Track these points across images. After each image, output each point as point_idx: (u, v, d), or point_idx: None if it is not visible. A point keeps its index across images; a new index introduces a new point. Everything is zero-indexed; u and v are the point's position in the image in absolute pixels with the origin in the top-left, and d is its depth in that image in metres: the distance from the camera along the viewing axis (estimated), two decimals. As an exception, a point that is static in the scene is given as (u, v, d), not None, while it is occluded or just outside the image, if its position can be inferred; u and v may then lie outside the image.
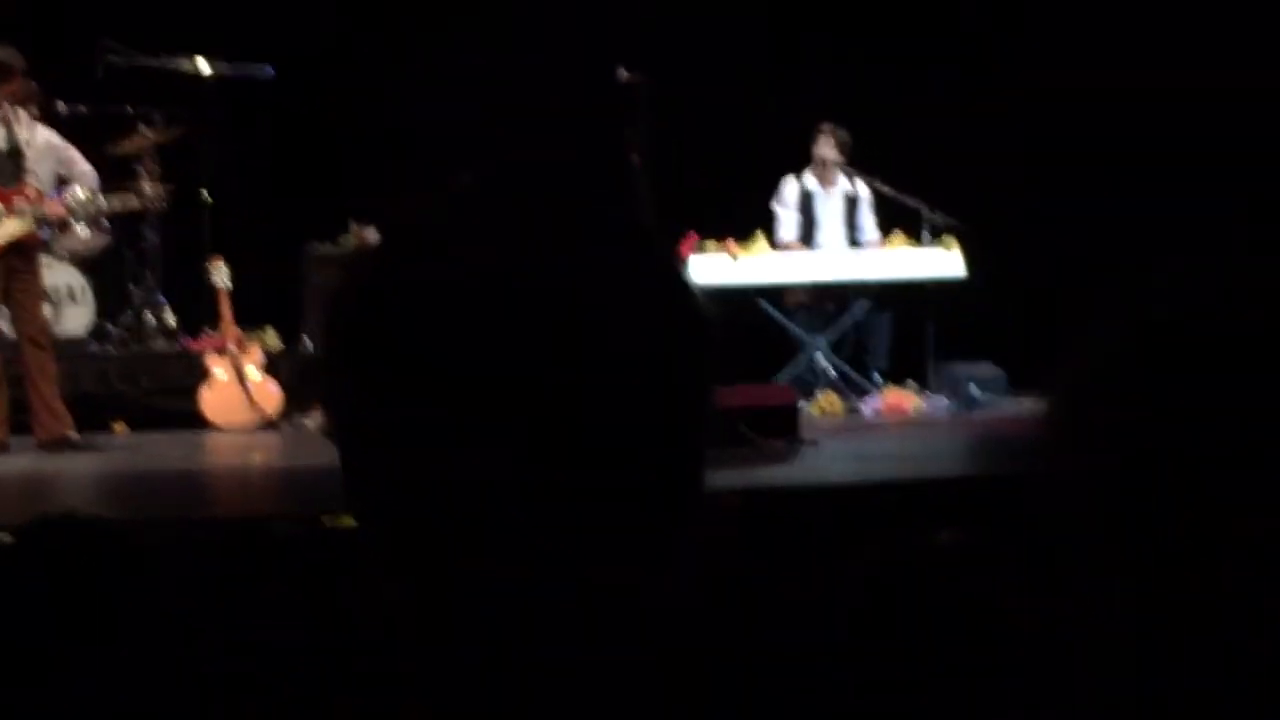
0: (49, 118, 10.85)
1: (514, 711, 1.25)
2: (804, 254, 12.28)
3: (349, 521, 1.34)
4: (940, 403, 11.71)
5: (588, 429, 1.22)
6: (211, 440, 10.75)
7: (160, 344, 11.90)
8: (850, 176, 12.54)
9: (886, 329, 12.26)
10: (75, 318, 11.72)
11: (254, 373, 11.24)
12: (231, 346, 11.27)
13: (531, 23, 13.01)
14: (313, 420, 10.74)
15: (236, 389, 11.17)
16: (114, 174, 11.55)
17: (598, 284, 1.24)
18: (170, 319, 12.07)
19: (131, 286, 12.13)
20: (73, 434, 9.69)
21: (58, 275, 11.48)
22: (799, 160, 12.55)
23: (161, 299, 12.11)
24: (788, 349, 12.11)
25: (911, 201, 12.18)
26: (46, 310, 10.43)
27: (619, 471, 1.23)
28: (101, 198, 10.79)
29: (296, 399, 11.17)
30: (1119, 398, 1.21)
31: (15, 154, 9.85)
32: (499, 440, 1.21)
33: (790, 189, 12.55)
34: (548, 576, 1.23)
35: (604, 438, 1.22)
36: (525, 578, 1.23)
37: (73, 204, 10.34)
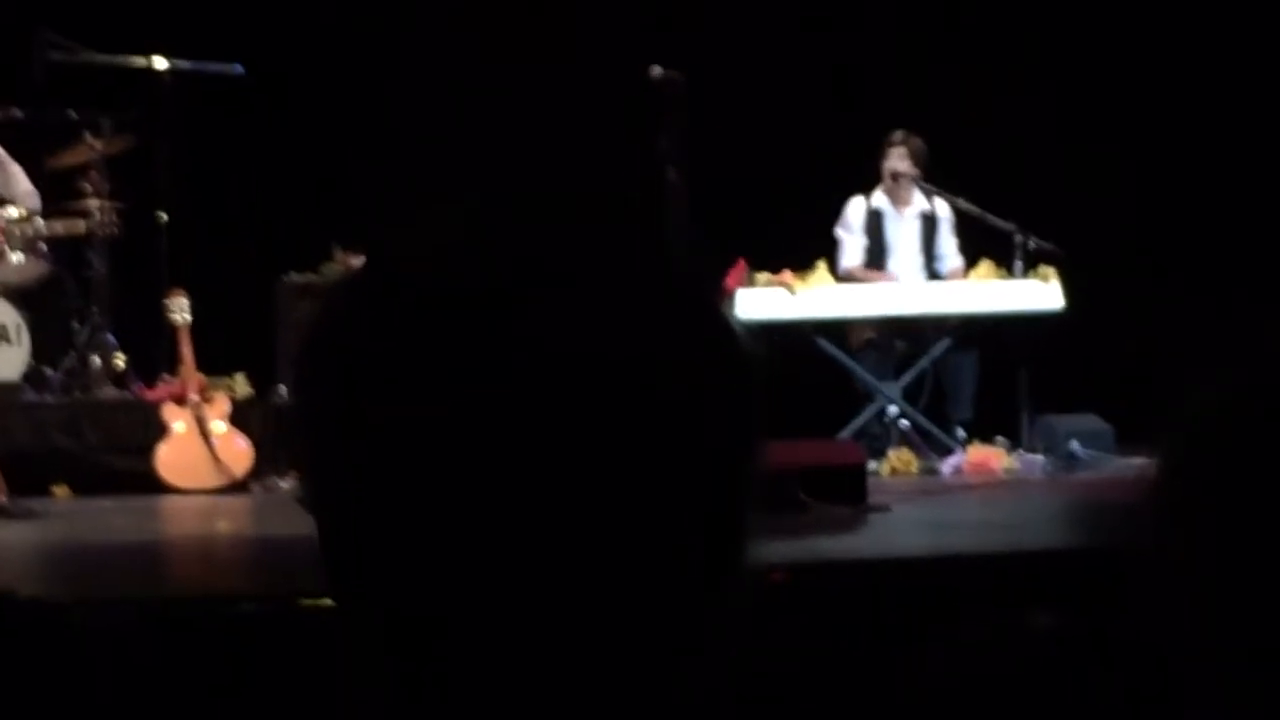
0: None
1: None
2: (873, 284, 12.27)
3: (328, 603, 1.34)
4: (1035, 462, 11.69)
5: (606, 492, 1.23)
6: (169, 506, 10.76)
7: (109, 392, 11.91)
8: (928, 194, 12.53)
9: (971, 374, 12.23)
10: (8, 361, 11.74)
11: (219, 426, 11.26)
12: (193, 395, 11.29)
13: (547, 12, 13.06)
14: (289, 482, 10.76)
15: (199, 445, 11.19)
16: (55, 191, 11.61)
17: (620, 323, 1.25)
18: (120, 362, 12.08)
19: (75, 324, 12.14)
20: (4, 500, 9.71)
21: (-12, 311, 11.53)
22: (869, 178, 12.55)
23: (110, 339, 12.12)
24: (854, 398, 12.10)
25: (1002, 223, 12.17)
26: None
27: (643, 543, 1.24)
28: (40, 220, 10.84)
29: (270, 457, 11.19)
30: (1230, 458, 1.21)
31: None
32: (505, 508, 1.22)
33: (856, 210, 12.55)
34: (559, 665, 1.24)
35: (626, 504, 1.23)
36: (534, 669, 1.24)
37: (6, 227, 10.38)
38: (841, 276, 12.29)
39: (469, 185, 10.45)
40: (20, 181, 10.56)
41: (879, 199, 12.58)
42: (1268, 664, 1.20)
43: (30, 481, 10.33)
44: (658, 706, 1.27)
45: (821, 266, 12.14)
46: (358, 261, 11.26)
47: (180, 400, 11.31)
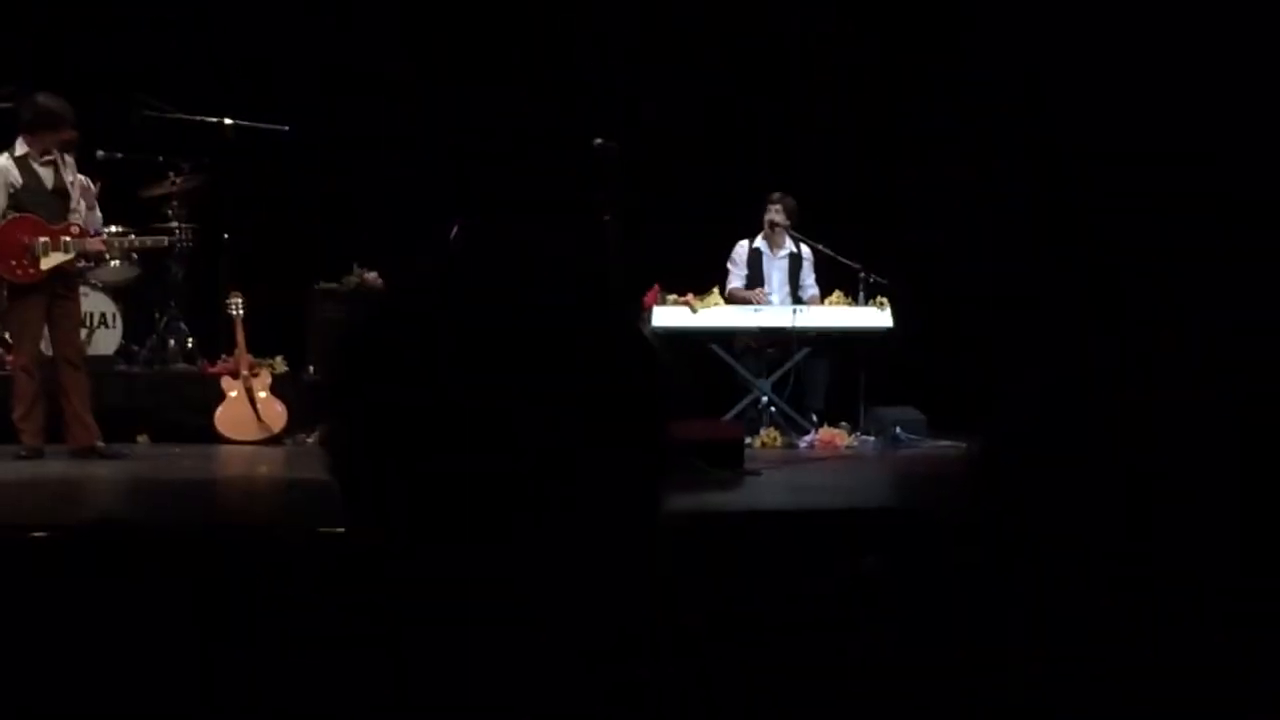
0: (89, 164, 10.80)
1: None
2: (753, 304, 12.30)
3: (340, 530, 1.35)
4: (868, 442, 11.72)
5: (558, 462, 1.23)
6: (223, 453, 10.71)
7: (180, 366, 11.86)
8: (796, 240, 12.59)
9: (823, 374, 12.26)
10: (106, 340, 11.69)
11: (263, 394, 11.22)
12: (244, 370, 11.24)
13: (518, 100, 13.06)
14: (314, 438, 10.70)
15: (247, 407, 11.15)
16: (144, 214, 11.58)
17: (569, 334, 1.26)
18: (190, 344, 12.03)
19: (157, 314, 12.09)
20: (101, 444, 9.65)
21: (93, 302, 11.47)
22: (753, 226, 12.63)
23: (183, 326, 12.08)
24: (736, 389, 12.12)
25: (850, 263, 12.21)
26: (82, 333, 10.41)
27: (585, 499, 1.24)
28: (134, 236, 10.81)
29: (300, 418, 11.14)
30: (1033, 452, 1.22)
31: (62, 194, 9.82)
32: (480, 466, 1.22)
33: (741, 249, 12.63)
34: (521, 590, 1.24)
35: (569, 471, 1.23)
36: (499, 589, 1.24)
37: (108, 241, 10.32)
38: (729, 299, 12.33)
39: (455, 221, 10.40)
40: (94, 207, 10.24)
41: (759, 242, 12.63)
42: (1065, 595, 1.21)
43: (120, 431, 10.29)
44: (591, 628, 1.27)
45: (715, 291, 12.17)
46: (370, 275, 11.08)
47: (234, 374, 11.26)
